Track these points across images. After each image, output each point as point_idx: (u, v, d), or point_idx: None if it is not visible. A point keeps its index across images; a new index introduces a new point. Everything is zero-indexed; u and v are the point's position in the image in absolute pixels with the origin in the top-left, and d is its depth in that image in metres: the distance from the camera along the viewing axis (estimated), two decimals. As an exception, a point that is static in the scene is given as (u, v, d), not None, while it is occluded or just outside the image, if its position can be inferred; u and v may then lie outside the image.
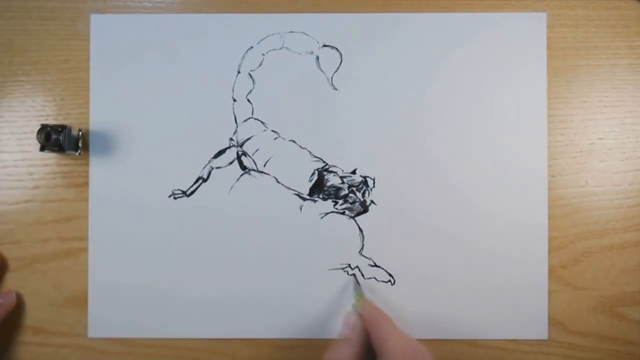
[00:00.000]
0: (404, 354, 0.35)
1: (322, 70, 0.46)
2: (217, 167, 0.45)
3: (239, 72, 0.46)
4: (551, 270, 0.45)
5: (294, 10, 0.46)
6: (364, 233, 0.45)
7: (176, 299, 0.45)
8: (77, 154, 0.44)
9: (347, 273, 0.45)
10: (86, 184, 0.45)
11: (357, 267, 0.45)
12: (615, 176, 0.46)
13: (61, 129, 0.42)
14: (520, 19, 0.46)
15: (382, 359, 0.35)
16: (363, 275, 0.45)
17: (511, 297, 0.45)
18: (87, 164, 0.45)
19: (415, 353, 0.36)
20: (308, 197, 0.45)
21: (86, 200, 0.45)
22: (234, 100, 0.46)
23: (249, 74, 0.46)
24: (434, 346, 0.45)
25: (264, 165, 0.45)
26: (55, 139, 0.42)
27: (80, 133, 0.44)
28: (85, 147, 0.45)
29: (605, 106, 0.46)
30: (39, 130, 0.42)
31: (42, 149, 0.42)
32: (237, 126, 0.45)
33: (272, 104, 0.46)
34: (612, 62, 0.46)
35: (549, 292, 0.45)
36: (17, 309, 0.45)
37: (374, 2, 0.46)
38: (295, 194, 0.45)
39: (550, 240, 0.45)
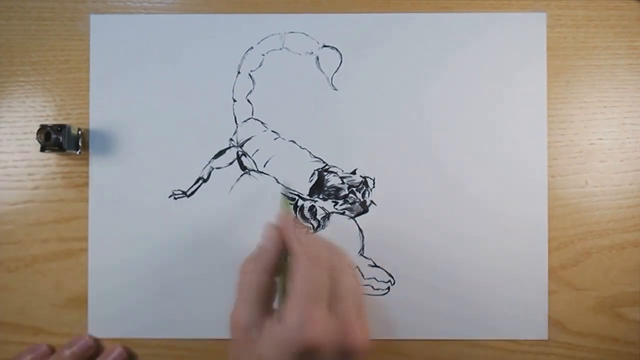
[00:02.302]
0: (316, 253, 0.34)
1: (322, 71, 0.46)
2: (217, 168, 0.45)
3: (239, 72, 0.46)
4: (551, 270, 0.45)
5: (294, 10, 0.46)
6: (364, 233, 0.45)
7: (176, 299, 0.45)
8: (77, 152, 0.44)
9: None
10: (86, 184, 0.45)
11: (357, 267, 0.45)
12: (615, 176, 0.46)
13: (60, 128, 0.42)
14: (520, 19, 0.46)
15: (293, 262, 0.34)
16: (363, 276, 0.45)
17: (511, 298, 0.45)
18: (87, 164, 0.45)
19: (331, 252, 0.35)
20: (308, 198, 0.45)
21: (86, 200, 0.45)
22: (234, 100, 0.46)
23: (249, 75, 0.46)
24: (434, 346, 0.45)
25: (264, 166, 0.45)
26: (55, 138, 0.42)
27: (79, 132, 0.44)
28: (86, 147, 0.45)
29: (605, 106, 0.46)
30: (39, 130, 0.42)
31: (42, 149, 0.42)
32: (237, 126, 0.45)
33: (272, 104, 0.46)
34: (612, 62, 0.46)
35: (549, 292, 0.45)
36: (17, 309, 0.45)
37: (374, 2, 0.46)
38: (295, 195, 0.45)
39: (550, 240, 0.45)
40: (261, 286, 0.35)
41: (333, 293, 0.33)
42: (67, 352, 0.43)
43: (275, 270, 0.36)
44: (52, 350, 0.45)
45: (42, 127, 0.42)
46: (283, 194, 0.44)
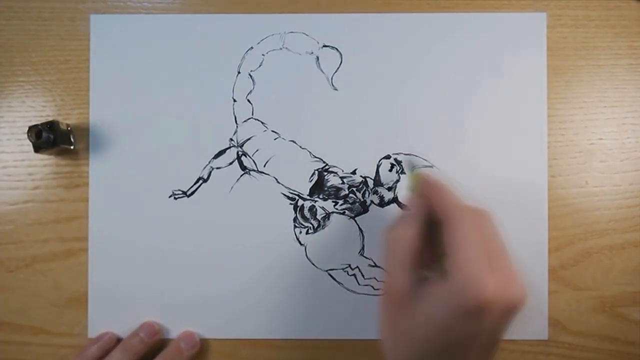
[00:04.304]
0: (469, 214, 0.33)
1: (322, 70, 0.46)
2: (218, 168, 0.45)
3: (239, 72, 0.46)
4: (551, 271, 0.45)
5: (294, 10, 0.46)
6: (364, 233, 0.45)
7: (176, 299, 0.45)
8: (71, 147, 0.44)
9: (348, 273, 0.45)
10: (86, 184, 0.45)
11: (357, 267, 0.45)
12: (615, 176, 0.46)
13: (50, 125, 0.42)
14: (520, 19, 0.46)
15: (446, 225, 0.33)
16: (363, 276, 0.45)
17: (511, 297, 0.45)
18: (87, 164, 0.45)
19: (479, 212, 0.34)
20: (308, 198, 0.45)
21: (86, 200, 0.45)
22: (234, 100, 0.46)
23: (249, 74, 0.46)
24: (434, 346, 0.45)
25: (264, 166, 0.45)
26: (47, 136, 0.41)
27: (69, 127, 0.44)
28: (85, 147, 0.45)
29: (605, 106, 0.46)
30: (29, 130, 0.42)
31: (36, 150, 0.42)
32: (237, 126, 0.46)
33: (272, 104, 0.46)
34: (612, 62, 0.46)
35: (549, 292, 0.45)
36: (17, 309, 0.45)
37: (374, 2, 0.46)
38: (295, 194, 0.45)
39: (550, 240, 0.45)
40: (415, 251, 0.34)
41: (490, 250, 0.32)
42: (136, 339, 0.43)
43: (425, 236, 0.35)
44: (118, 339, 0.45)
45: (32, 127, 0.42)
46: (410, 164, 0.42)
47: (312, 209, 0.45)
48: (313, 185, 0.45)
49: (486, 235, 0.33)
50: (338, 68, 0.46)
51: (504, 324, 0.32)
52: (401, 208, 0.45)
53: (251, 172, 0.45)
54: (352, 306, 0.45)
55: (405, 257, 0.34)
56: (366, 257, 0.45)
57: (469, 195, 0.35)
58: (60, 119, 0.45)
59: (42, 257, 0.45)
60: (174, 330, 0.45)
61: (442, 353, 0.32)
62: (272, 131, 0.46)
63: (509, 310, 0.32)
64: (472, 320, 0.30)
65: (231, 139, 0.45)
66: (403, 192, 0.45)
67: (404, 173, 0.45)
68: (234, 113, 0.46)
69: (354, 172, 0.45)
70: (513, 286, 0.32)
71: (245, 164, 0.45)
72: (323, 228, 0.45)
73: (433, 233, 0.35)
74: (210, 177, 0.45)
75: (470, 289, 0.30)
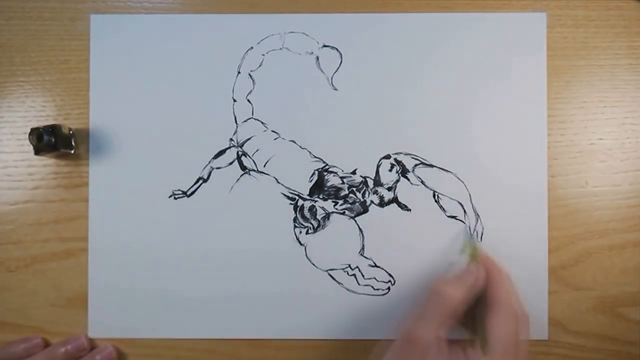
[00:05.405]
0: (516, 312, 0.36)
1: (322, 70, 0.46)
2: (218, 168, 0.45)
3: (239, 72, 0.46)
4: (551, 271, 0.45)
5: (294, 10, 0.46)
6: (364, 233, 0.45)
7: (176, 299, 0.45)
8: (72, 152, 0.44)
9: (348, 273, 0.45)
10: (86, 184, 0.45)
11: (357, 267, 0.45)
12: (615, 176, 0.46)
13: (52, 128, 0.42)
14: (520, 19, 0.46)
15: (495, 309, 0.36)
16: (363, 276, 0.45)
17: (511, 297, 0.45)
18: (87, 164, 0.45)
19: (522, 313, 0.37)
20: (308, 198, 0.45)
21: (86, 200, 0.45)
22: (234, 100, 0.46)
23: (249, 74, 0.46)
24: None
25: (264, 166, 0.45)
26: (48, 139, 0.41)
27: (71, 132, 0.44)
28: (85, 147, 0.45)
29: (605, 106, 0.46)
30: (31, 132, 0.42)
31: (36, 152, 0.42)
32: (237, 126, 0.46)
33: (272, 104, 0.46)
34: (612, 62, 0.46)
35: (549, 292, 0.45)
36: (17, 309, 0.45)
37: (374, 2, 0.46)
38: (295, 194, 0.45)
39: (550, 240, 0.45)
40: (454, 313, 0.36)
41: (518, 354, 0.35)
42: (61, 349, 0.43)
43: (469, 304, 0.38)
44: (45, 344, 0.44)
45: (34, 130, 0.42)
46: (469, 239, 0.44)
47: (312, 209, 0.45)
48: (313, 185, 0.45)
49: (521, 340, 0.36)
50: (338, 68, 0.46)
51: None
52: (401, 208, 0.45)
53: (251, 172, 0.45)
54: (352, 306, 0.45)
55: (444, 313, 0.36)
56: (366, 257, 0.45)
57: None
58: (60, 119, 0.45)
59: (42, 257, 0.45)
60: (174, 330, 0.45)
61: None
62: (272, 131, 0.46)
63: None
64: None
65: (231, 139, 0.45)
66: (403, 192, 0.45)
67: (404, 173, 0.45)
68: (234, 113, 0.46)
69: (354, 172, 0.45)
70: None
71: (245, 164, 0.45)
72: (323, 228, 0.45)
73: (475, 304, 0.37)
74: (210, 177, 0.45)
75: None
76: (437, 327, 0.35)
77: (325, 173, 0.45)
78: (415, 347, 0.35)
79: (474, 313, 0.39)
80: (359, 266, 0.45)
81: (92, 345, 0.45)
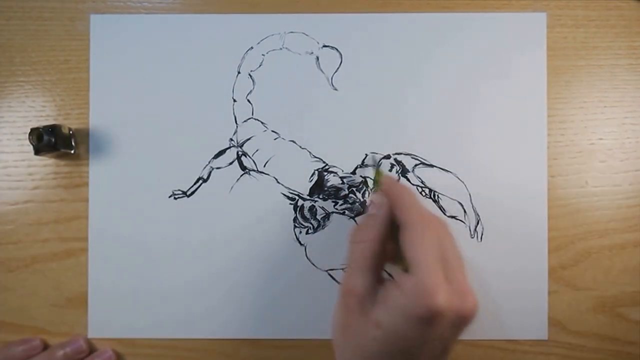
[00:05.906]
0: (430, 222, 0.34)
1: (322, 70, 0.46)
2: (217, 168, 0.45)
3: (239, 72, 0.46)
4: (551, 270, 0.45)
5: (294, 10, 0.46)
6: (364, 233, 0.45)
7: (176, 299, 0.45)
8: (72, 152, 0.44)
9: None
10: (86, 184, 0.45)
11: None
12: (615, 176, 0.46)
13: (52, 128, 0.42)
14: (520, 19, 0.46)
15: (406, 229, 0.33)
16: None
17: (511, 297, 0.45)
18: (87, 164, 0.45)
19: (439, 221, 0.35)
20: (308, 198, 0.45)
21: (86, 200, 0.45)
22: (234, 100, 0.46)
23: (249, 74, 0.46)
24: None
25: (264, 166, 0.45)
26: (48, 139, 0.42)
27: (71, 132, 0.44)
28: (85, 147, 0.45)
29: (605, 106, 0.46)
30: (31, 132, 0.42)
31: (36, 152, 0.42)
32: (237, 126, 0.46)
33: (272, 104, 0.46)
34: (612, 62, 0.46)
35: (549, 292, 0.45)
36: (17, 309, 0.45)
37: (374, 2, 0.46)
38: (295, 194, 0.45)
39: (550, 240, 0.45)
40: (375, 254, 0.35)
41: (445, 260, 0.32)
42: (60, 352, 0.43)
43: (386, 238, 0.36)
44: (44, 346, 0.45)
45: (34, 130, 0.42)
46: (373, 164, 0.42)
47: (312, 209, 0.45)
48: (313, 185, 0.45)
49: (444, 245, 0.33)
50: (338, 68, 0.46)
51: (454, 334, 0.32)
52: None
53: (251, 172, 0.45)
54: (352, 306, 0.45)
55: (365, 259, 0.35)
56: (366, 257, 0.45)
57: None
58: (60, 119, 0.45)
59: (42, 257, 0.45)
60: (174, 330, 0.45)
61: (391, 358, 0.32)
62: (272, 131, 0.46)
63: (460, 322, 0.32)
64: (422, 327, 0.31)
65: (231, 139, 0.45)
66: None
67: (404, 173, 0.45)
68: (234, 113, 0.46)
69: (354, 172, 0.45)
70: (466, 298, 0.32)
71: (245, 164, 0.45)
72: (323, 228, 0.45)
73: (395, 234, 0.35)
74: (210, 177, 0.45)
75: (423, 297, 0.30)
76: (364, 274, 0.34)
77: (325, 173, 0.45)
78: (350, 298, 0.34)
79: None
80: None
81: (91, 347, 0.45)
